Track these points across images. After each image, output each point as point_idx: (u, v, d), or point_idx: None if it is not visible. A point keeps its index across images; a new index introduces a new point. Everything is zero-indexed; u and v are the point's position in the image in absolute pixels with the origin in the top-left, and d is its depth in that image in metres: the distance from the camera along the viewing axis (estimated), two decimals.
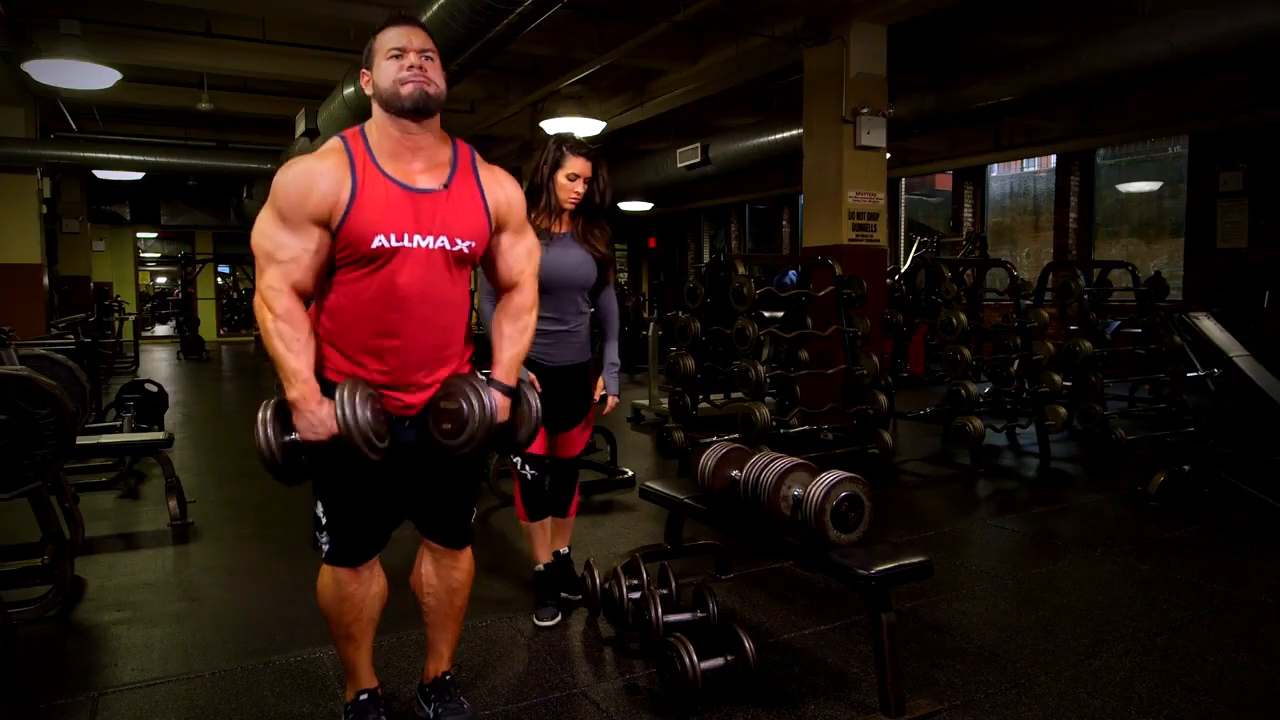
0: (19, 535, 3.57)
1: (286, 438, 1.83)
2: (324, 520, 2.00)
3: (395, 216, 1.85)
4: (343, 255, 1.86)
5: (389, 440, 1.85)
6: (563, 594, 3.06)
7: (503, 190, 2.03)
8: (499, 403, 1.98)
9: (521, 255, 2.10)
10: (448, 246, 1.91)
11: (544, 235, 2.79)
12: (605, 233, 2.93)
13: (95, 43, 6.73)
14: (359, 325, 1.90)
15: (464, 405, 1.89)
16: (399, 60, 1.86)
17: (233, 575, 3.56)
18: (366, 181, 1.85)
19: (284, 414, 1.84)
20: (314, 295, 1.93)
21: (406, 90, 1.85)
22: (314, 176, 1.81)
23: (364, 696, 2.14)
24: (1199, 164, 10.01)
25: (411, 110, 1.86)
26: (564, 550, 3.12)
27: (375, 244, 1.83)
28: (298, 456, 1.86)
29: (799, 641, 2.79)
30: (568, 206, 2.84)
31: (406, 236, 1.86)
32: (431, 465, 2.03)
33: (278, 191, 1.83)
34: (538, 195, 2.84)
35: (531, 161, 11.82)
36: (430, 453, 1.99)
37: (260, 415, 1.82)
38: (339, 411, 1.79)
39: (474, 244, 1.96)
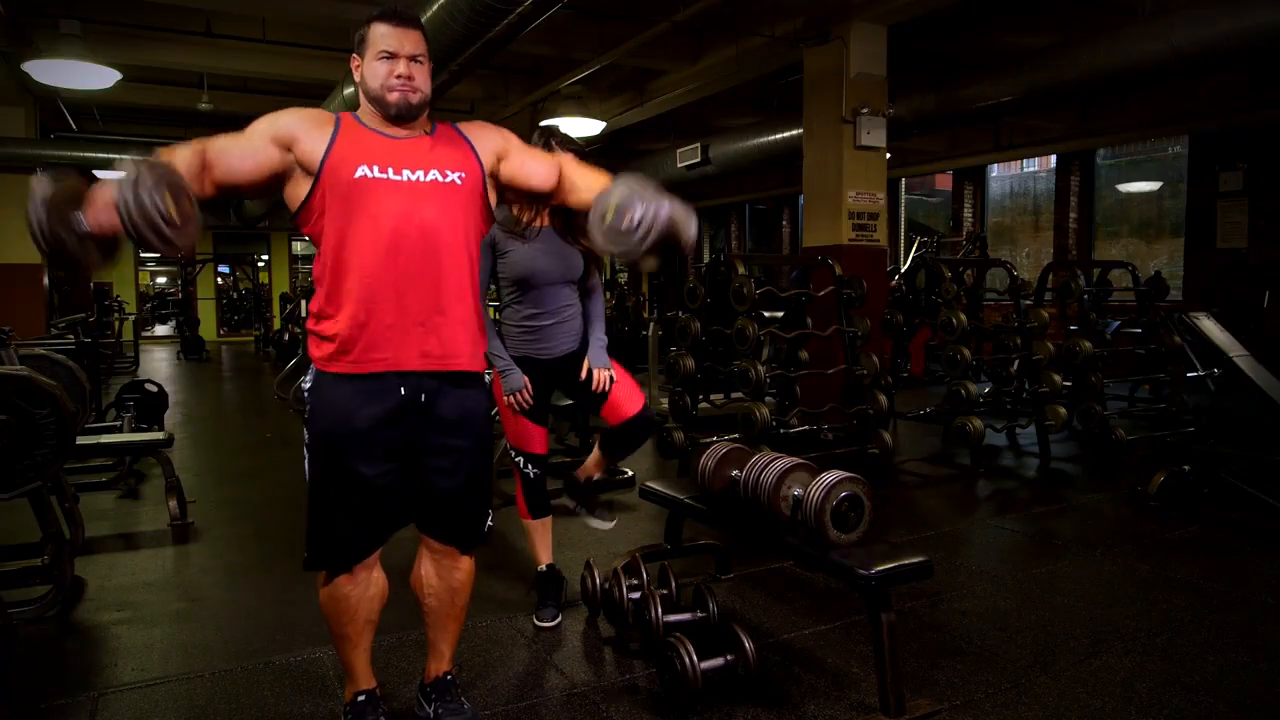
0: (19, 535, 3.57)
1: (79, 229, 1.49)
2: (313, 526, 1.96)
3: (378, 154, 1.88)
4: (330, 196, 1.86)
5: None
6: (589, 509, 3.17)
7: (484, 130, 2.06)
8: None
9: (551, 161, 2.09)
10: (440, 179, 1.91)
11: (519, 231, 2.71)
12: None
13: (95, 43, 6.73)
14: (355, 272, 1.85)
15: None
16: (389, 64, 1.89)
17: (233, 575, 3.56)
18: (346, 128, 1.91)
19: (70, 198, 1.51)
20: (315, 283, 1.96)
21: (393, 98, 1.89)
22: (296, 111, 1.89)
23: (361, 698, 2.13)
24: (1199, 164, 10.01)
25: (395, 117, 1.90)
26: (595, 477, 3.20)
27: (358, 174, 1.84)
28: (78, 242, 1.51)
29: (799, 641, 2.79)
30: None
31: (391, 170, 1.87)
32: (443, 459, 1.99)
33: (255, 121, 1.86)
34: None
35: None
36: (443, 436, 1.97)
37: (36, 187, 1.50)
38: (119, 196, 1.46)
39: (464, 175, 1.94)
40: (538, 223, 2.73)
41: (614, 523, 3.30)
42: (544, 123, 8.55)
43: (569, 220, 2.77)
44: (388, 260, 1.85)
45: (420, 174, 1.88)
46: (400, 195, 1.86)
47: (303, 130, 1.86)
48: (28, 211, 1.47)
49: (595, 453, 3.11)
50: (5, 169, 9.06)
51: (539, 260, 2.76)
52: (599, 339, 2.94)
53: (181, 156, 1.71)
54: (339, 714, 2.31)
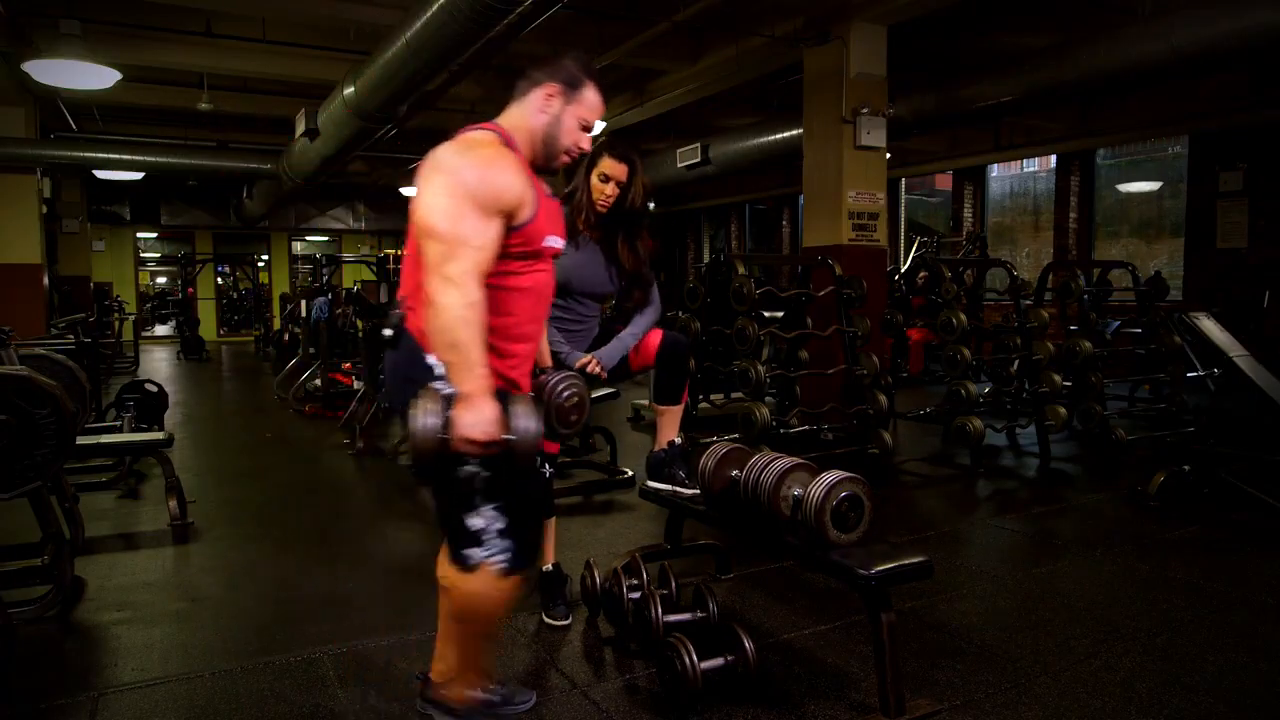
0: (19, 535, 3.57)
1: (442, 433, 1.73)
2: (502, 526, 1.90)
3: (555, 220, 2.01)
4: (515, 250, 1.90)
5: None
6: (682, 474, 2.96)
7: None
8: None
9: None
10: (559, 247, 2.05)
11: (573, 235, 2.76)
12: (645, 245, 2.87)
13: (95, 43, 6.73)
14: (517, 317, 1.97)
15: (583, 396, 2.12)
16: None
17: (233, 575, 3.56)
18: (535, 186, 1.94)
19: (442, 406, 1.76)
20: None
21: (562, 163, 2.06)
22: (511, 175, 1.85)
23: (497, 691, 2.18)
24: (1199, 164, 10.01)
25: (548, 170, 2.05)
26: (676, 440, 3.03)
27: (545, 243, 1.96)
28: (445, 453, 1.77)
29: (799, 641, 2.79)
30: (598, 208, 2.78)
31: (557, 238, 2.01)
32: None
33: (472, 180, 1.79)
34: (575, 194, 2.81)
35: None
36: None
37: (419, 404, 1.74)
38: (515, 421, 1.76)
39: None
40: (586, 232, 2.78)
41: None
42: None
43: (632, 228, 2.84)
44: (540, 312, 2.07)
45: (559, 241, 2.04)
46: (553, 263, 2.07)
47: (521, 196, 1.87)
48: (521, 431, 1.76)
49: (658, 420, 3.03)
50: (5, 169, 9.06)
51: (582, 271, 2.79)
52: (621, 338, 2.92)
53: (480, 284, 1.79)
54: (340, 714, 2.32)
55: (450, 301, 1.73)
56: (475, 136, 1.91)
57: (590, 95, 2.01)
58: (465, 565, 1.91)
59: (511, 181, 1.83)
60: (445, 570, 2.01)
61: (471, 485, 1.86)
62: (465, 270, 1.75)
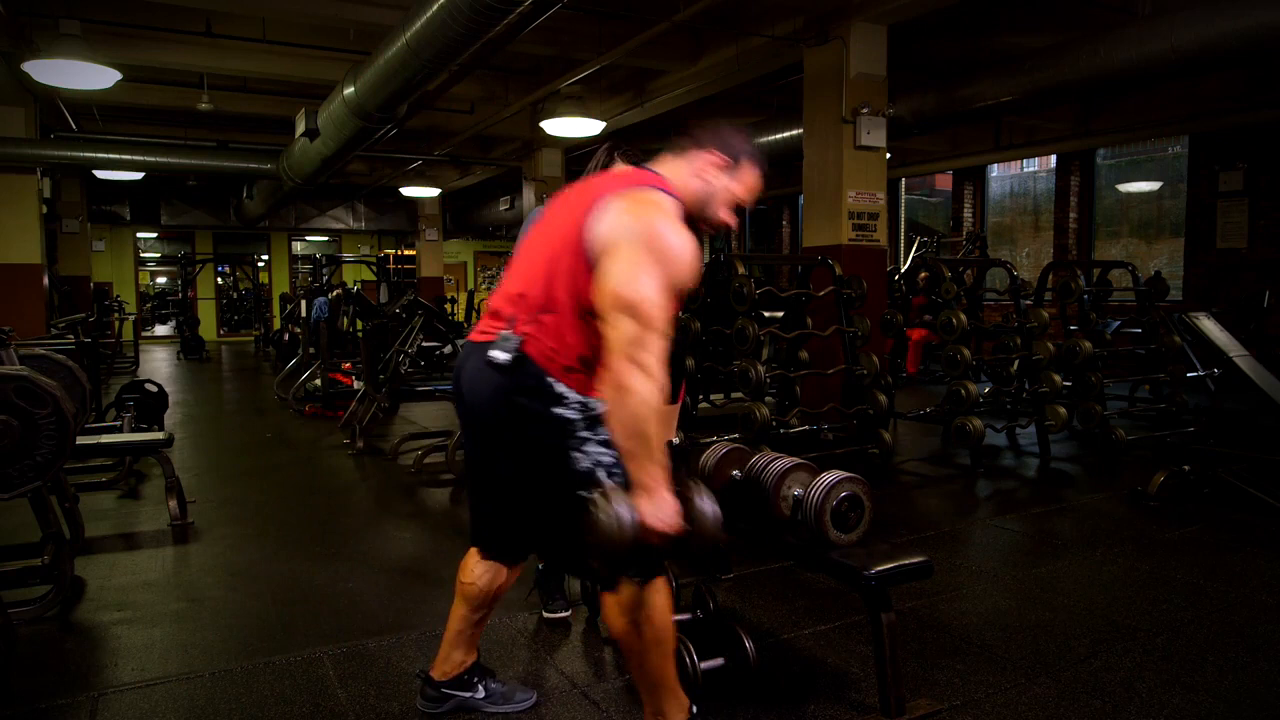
0: (19, 535, 3.57)
1: (631, 521, 1.75)
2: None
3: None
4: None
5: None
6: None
7: None
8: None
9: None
10: None
11: None
12: None
13: (95, 43, 6.72)
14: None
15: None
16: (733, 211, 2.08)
17: (233, 575, 3.56)
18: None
19: (624, 499, 1.77)
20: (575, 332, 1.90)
21: (714, 231, 2.05)
22: (696, 256, 1.84)
23: (695, 709, 2.10)
24: (1199, 164, 10.01)
25: (695, 229, 2.00)
26: (674, 440, 3.05)
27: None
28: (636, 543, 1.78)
29: (799, 641, 2.79)
30: None
31: None
32: None
33: (672, 264, 1.77)
34: None
35: (531, 160, 11.83)
36: None
37: (606, 499, 1.76)
38: (701, 504, 1.80)
39: None
40: None
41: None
42: (552, 130, 8.55)
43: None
44: None
45: None
46: None
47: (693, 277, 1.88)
48: (707, 515, 1.81)
49: None
50: (5, 169, 9.06)
51: None
52: None
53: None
54: (339, 714, 2.32)
55: (644, 390, 1.72)
56: (664, 204, 1.85)
57: (750, 175, 1.98)
58: (604, 581, 1.94)
59: (694, 263, 1.82)
60: (608, 612, 1.98)
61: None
62: (659, 358, 1.74)
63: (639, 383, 1.72)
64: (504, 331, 1.92)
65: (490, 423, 1.97)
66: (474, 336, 2.04)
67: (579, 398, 1.90)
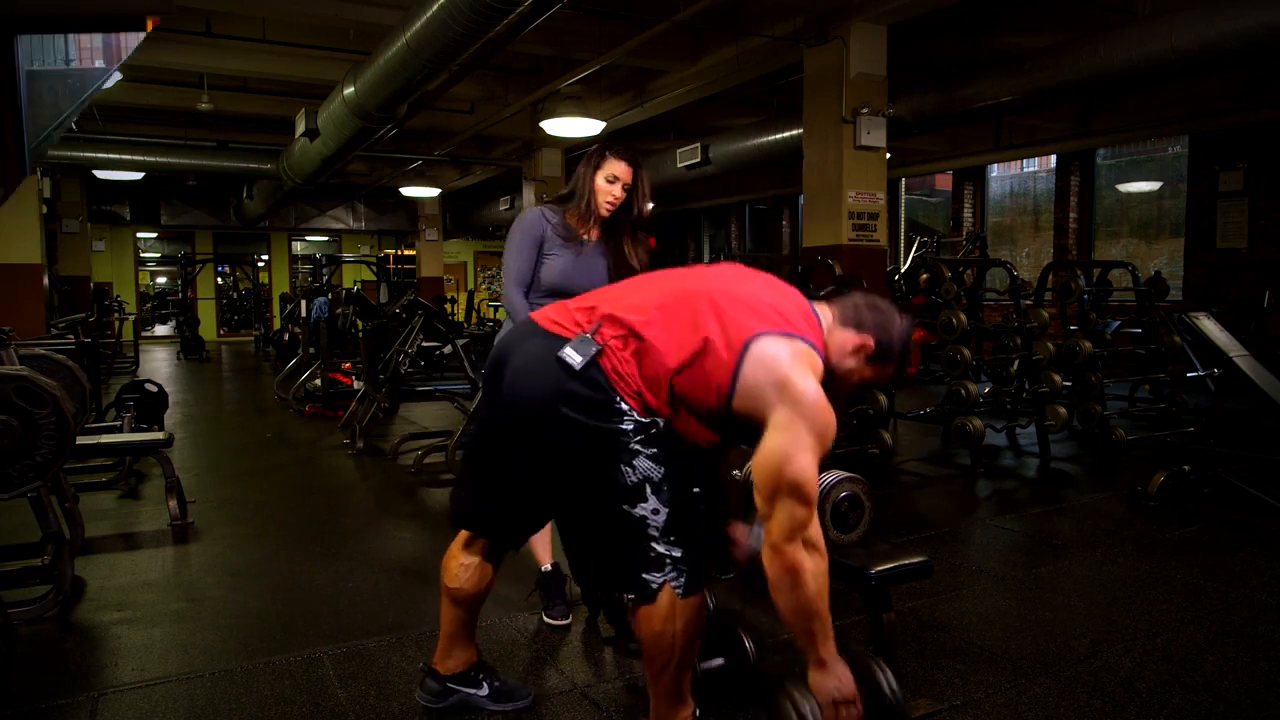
0: (19, 535, 3.57)
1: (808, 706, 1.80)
2: (678, 554, 1.87)
3: None
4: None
5: None
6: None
7: None
8: None
9: None
10: None
11: (573, 239, 2.77)
12: (645, 248, 2.85)
13: None
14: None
15: None
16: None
17: (233, 575, 3.56)
18: None
19: (807, 694, 1.82)
20: (664, 394, 1.87)
21: None
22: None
23: (697, 712, 2.09)
24: (1199, 164, 10.01)
25: None
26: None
27: None
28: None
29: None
30: (603, 211, 2.77)
31: None
32: None
33: (830, 437, 1.77)
34: (575, 196, 2.79)
35: (531, 160, 11.83)
36: None
37: (792, 700, 1.82)
38: (882, 677, 1.91)
39: None
40: (587, 235, 2.78)
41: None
42: (552, 130, 8.55)
43: (637, 230, 2.85)
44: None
45: None
46: None
47: None
48: (888, 686, 1.93)
49: None
50: None
51: (581, 273, 2.77)
52: None
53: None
54: (340, 714, 2.32)
55: (819, 571, 1.75)
56: (819, 369, 1.84)
57: (884, 371, 1.97)
58: (646, 592, 1.87)
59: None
60: (643, 619, 1.91)
61: (645, 524, 1.85)
62: (821, 534, 1.78)
63: (815, 563, 1.75)
64: (585, 335, 1.85)
65: (521, 418, 1.88)
66: (544, 323, 1.93)
67: (638, 416, 1.84)
